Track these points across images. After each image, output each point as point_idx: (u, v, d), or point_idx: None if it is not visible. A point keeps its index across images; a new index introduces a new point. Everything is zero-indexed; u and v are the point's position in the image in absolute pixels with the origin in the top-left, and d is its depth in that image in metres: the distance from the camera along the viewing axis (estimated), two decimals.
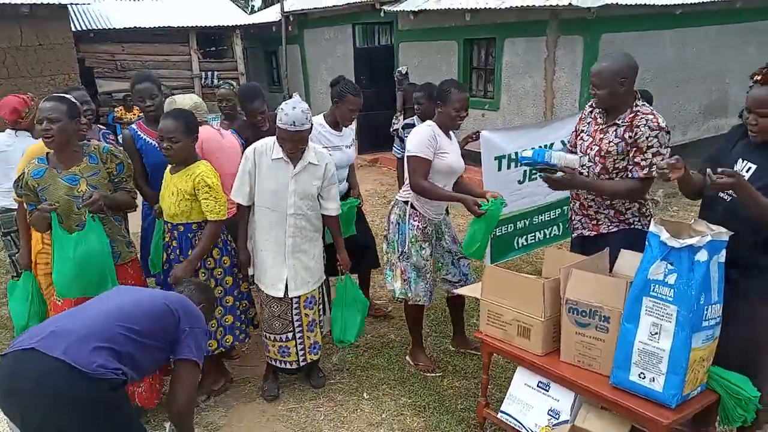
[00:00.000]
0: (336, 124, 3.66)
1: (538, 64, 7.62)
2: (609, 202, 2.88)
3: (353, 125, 3.83)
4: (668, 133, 2.75)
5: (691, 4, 7.18)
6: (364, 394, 3.31)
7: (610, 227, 2.91)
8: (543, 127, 4.64)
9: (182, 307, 2.29)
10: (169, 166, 3.07)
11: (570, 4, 6.53)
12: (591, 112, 3.01)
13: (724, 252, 2.12)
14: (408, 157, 3.21)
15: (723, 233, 2.11)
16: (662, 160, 2.52)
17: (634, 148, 2.74)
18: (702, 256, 2.05)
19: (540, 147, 3.13)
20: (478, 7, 7.78)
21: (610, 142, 2.80)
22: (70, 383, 1.89)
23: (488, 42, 8.48)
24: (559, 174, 2.79)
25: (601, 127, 2.89)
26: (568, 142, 3.21)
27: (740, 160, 2.35)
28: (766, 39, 8.47)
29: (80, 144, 2.90)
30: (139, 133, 3.49)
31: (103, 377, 1.93)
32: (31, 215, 2.90)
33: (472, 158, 4.28)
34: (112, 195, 2.92)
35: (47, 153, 2.86)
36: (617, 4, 6.56)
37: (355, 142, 3.90)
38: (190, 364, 2.27)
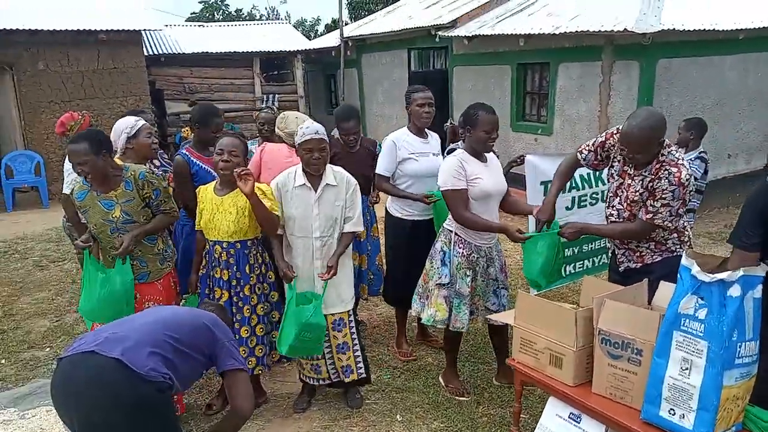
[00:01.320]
0: (420, 131, 3.75)
1: (593, 89, 7.53)
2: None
3: (435, 135, 3.87)
4: (686, 187, 2.70)
5: (755, 28, 6.94)
6: (398, 416, 3.34)
7: (654, 257, 2.90)
8: None
9: (216, 324, 2.44)
10: (212, 191, 3.19)
11: (625, 29, 6.44)
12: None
13: (760, 288, 2.05)
14: (442, 192, 3.25)
15: (759, 269, 2.05)
16: (669, 212, 2.69)
17: (650, 193, 2.77)
18: (735, 291, 2.00)
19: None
20: (532, 33, 7.79)
21: (636, 191, 2.82)
22: (125, 383, 2.04)
23: (542, 66, 8.45)
24: (572, 226, 3.03)
25: (629, 171, 2.88)
26: (584, 157, 3.09)
27: None
28: None
29: (121, 168, 3.06)
30: (192, 159, 3.62)
31: (154, 380, 2.08)
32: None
33: (518, 182, 4.29)
34: (148, 226, 3.04)
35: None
36: (674, 29, 6.43)
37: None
38: (241, 373, 2.43)
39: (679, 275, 2.15)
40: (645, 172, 2.79)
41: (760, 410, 2.18)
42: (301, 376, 3.43)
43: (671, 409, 2.13)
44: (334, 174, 3.15)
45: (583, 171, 4.25)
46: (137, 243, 3.01)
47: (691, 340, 2.07)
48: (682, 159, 2.76)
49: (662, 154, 2.75)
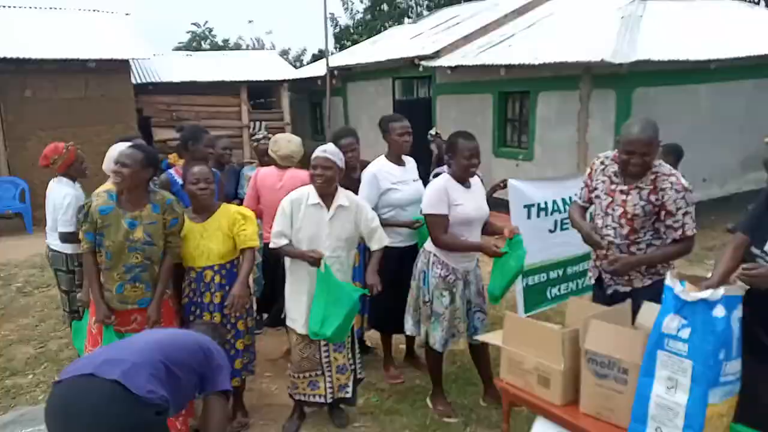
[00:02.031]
0: (398, 160, 3.82)
1: (572, 117, 7.74)
2: None
3: (411, 160, 3.96)
4: (692, 191, 2.81)
5: (725, 59, 7.22)
6: None
7: (644, 280, 2.95)
8: (570, 179, 4.70)
9: (211, 348, 2.45)
10: (188, 220, 3.22)
11: (602, 60, 6.68)
12: (603, 169, 3.03)
13: (740, 307, 2.12)
14: (424, 215, 3.34)
15: (737, 288, 2.13)
16: (691, 218, 2.70)
17: (663, 211, 2.81)
18: (720, 312, 2.06)
19: None
20: (512, 63, 8.02)
21: (635, 205, 2.86)
22: (125, 406, 2.03)
23: (522, 95, 8.68)
24: (625, 261, 2.85)
25: (620, 187, 2.93)
26: (579, 197, 3.22)
27: None
28: None
29: (149, 191, 3.09)
30: (176, 178, 3.72)
31: (153, 402, 2.08)
32: (85, 244, 3.04)
33: (501, 206, 4.39)
34: (161, 284, 3.08)
35: (118, 190, 3.05)
36: (649, 60, 6.67)
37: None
38: (222, 398, 2.43)
39: (663, 295, 2.22)
40: (641, 183, 2.86)
41: (745, 428, 2.22)
42: (294, 395, 3.41)
43: (658, 427, 2.17)
44: (347, 197, 3.26)
45: (564, 194, 4.36)
46: (150, 265, 3.04)
47: (675, 360, 2.13)
48: (671, 168, 2.86)
49: (654, 164, 2.84)
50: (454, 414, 3.54)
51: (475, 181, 3.44)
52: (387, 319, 3.91)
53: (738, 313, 2.12)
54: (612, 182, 2.97)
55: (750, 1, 13.11)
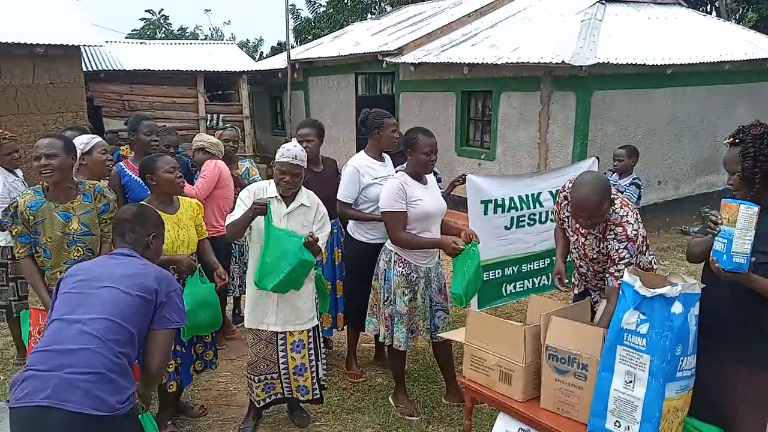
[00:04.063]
0: (379, 155, 3.78)
1: (533, 117, 7.84)
2: None
3: (389, 157, 3.91)
4: (636, 241, 2.71)
5: (681, 64, 7.45)
6: None
7: None
8: (528, 177, 4.76)
9: (154, 280, 2.25)
10: (162, 213, 3.09)
11: (563, 62, 6.78)
12: (567, 205, 2.98)
13: (698, 305, 2.17)
14: (382, 213, 3.31)
15: (695, 285, 2.17)
16: (633, 267, 2.55)
17: (608, 259, 2.80)
18: (678, 308, 2.10)
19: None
20: (475, 62, 8.07)
21: (592, 249, 2.91)
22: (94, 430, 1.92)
23: (485, 94, 8.74)
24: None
25: (580, 230, 2.94)
26: (555, 212, 3.21)
27: None
28: (754, 100, 8.76)
29: (75, 181, 2.96)
30: (125, 170, 3.69)
31: (123, 412, 1.97)
32: (21, 249, 2.88)
33: (461, 204, 4.40)
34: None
35: (44, 186, 2.91)
36: (608, 63, 6.81)
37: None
38: (167, 332, 2.29)
39: (621, 291, 2.26)
40: (594, 231, 2.85)
41: (697, 422, 2.29)
42: (251, 397, 3.34)
43: (617, 421, 2.21)
44: (308, 196, 3.18)
45: (521, 192, 4.41)
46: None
47: (634, 354, 2.16)
48: (627, 215, 2.75)
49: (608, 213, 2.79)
50: (416, 412, 3.53)
51: (430, 177, 3.44)
52: (360, 316, 3.85)
53: (695, 310, 2.17)
54: (576, 221, 2.95)
55: (701, 12, 13.62)
